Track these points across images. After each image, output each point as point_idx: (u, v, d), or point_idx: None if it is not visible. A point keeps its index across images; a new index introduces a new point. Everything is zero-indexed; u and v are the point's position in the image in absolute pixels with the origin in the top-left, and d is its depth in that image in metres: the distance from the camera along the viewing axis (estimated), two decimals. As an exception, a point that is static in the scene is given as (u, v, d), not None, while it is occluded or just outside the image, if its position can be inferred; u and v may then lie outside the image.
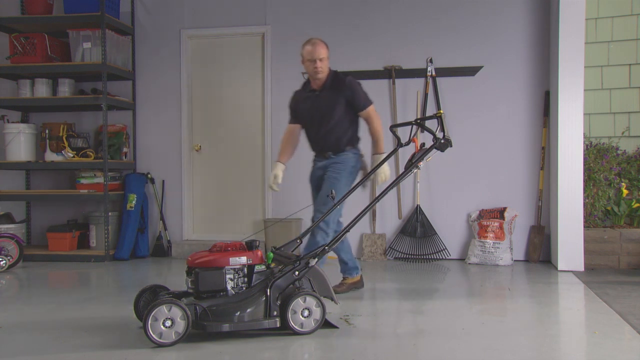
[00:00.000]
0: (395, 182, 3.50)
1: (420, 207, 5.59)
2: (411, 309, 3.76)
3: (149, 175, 6.04)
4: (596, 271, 4.95)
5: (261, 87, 5.98)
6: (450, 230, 5.60)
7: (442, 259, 5.54)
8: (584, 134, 5.14)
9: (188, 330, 2.89)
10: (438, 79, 5.61)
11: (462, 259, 5.57)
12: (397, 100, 5.67)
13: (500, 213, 5.37)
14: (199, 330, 2.97)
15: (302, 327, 3.05)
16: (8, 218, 5.66)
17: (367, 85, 5.69)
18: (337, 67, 5.70)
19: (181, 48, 6.07)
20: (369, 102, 3.97)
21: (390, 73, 5.67)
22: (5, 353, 2.88)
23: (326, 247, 3.23)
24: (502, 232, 5.28)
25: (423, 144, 3.55)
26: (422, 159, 3.47)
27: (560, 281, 4.59)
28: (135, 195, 5.85)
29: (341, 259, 4.18)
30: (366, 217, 5.65)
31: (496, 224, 5.31)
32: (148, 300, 3.24)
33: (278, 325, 3.02)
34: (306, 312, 3.05)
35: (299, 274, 3.13)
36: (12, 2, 6.19)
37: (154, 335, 2.86)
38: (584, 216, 5.03)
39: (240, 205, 6.06)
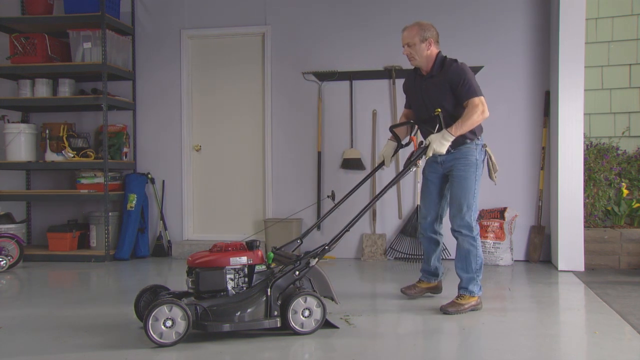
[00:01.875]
0: (395, 181, 3.50)
1: (420, 207, 5.58)
2: (411, 309, 3.76)
3: (149, 175, 6.04)
4: (596, 271, 4.95)
5: (261, 87, 5.98)
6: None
7: (442, 259, 5.51)
8: (584, 134, 5.14)
9: (189, 331, 2.89)
10: (438, 79, 5.60)
11: (462, 259, 5.56)
12: (397, 100, 5.67)
13: (500, 213, 5.37)
14: (200, 331, 2.97)
15: (302, 327, 3.05)
16: (8, 218, 5.66)
17: (368, 85, 5.77)
18: (337, 68, 5.76)
19: (181, 48, 6.07)
20: (475, 93, 3.41)
21: (391, 73, 5.67)
22: (6, 353, 2.89)
23: (326, 247, 3.23)
24: (503, 232, 5.28)
25: (421, 143, 3.53)
26: (421, 157, 3.44)
27: (561, 281, 4.59)
28: (135, 195, 5.85)
29: (433, 263, 3.90)
30: (366, 217, 5.65)
31: (496, 224, 5.31)
32: (148, 300, 3.25)
33: (279, 325, 3.03)
34: (307, 312, 3.05)
35: (299, 273, 3.12)
36: (13, 2, 6.19)
37: (154, 335, 2.86)
38: (584, 216, 5.03)
39: (240, 205, 6.06)
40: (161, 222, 6.02)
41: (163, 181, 6.10)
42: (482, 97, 3.42)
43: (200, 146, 6.11)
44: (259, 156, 6.01)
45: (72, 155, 5.74)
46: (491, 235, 5.29)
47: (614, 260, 5.05)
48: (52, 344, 3.01)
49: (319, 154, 5.80)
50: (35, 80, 5.88)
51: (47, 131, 5.80)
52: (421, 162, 3.48)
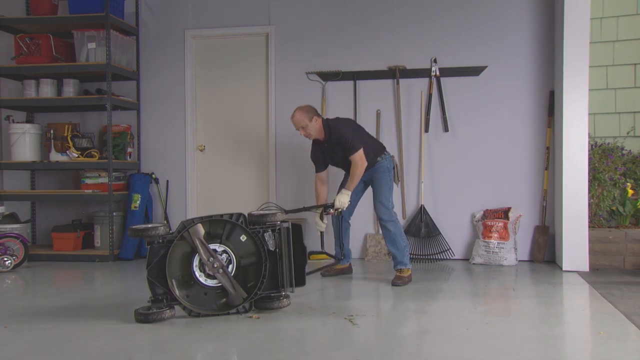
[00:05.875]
0: (305, 209, 4.56)
1: (424, 207, 5.58)
2: (415, 309, 3.76)
3: (153, 176, 6.05)
4: (601, 271, 4.94)
5: (265, 87, 5.98)
6: (455, 231, 5.59)
7: (446, 259, 5.53)
8: (589, 133, 5.12)
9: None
10: (442, 79, 5.60)
11: (467, 259, 5.56)
12: (402, 101, 5.67)
13: (504, 213, 5.36)
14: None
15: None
16: (13, 218, 5.68)
17: (371, 86, 5.77)
18: (341, 68, 5.75)
19: (185, 48, 6.08)
20: (355, 149, 4.41)
21: (395, 73, 5.67)
22: (10, 352, 2.90)
23: (285, 210, 3.83)
24: (507, 232, 5.27)
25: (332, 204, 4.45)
26: (330, 208, 4.41)
27: (565, 281, 4.58)
28: (139, 195, 5.86)
29: (345, 246, 4.81)
30: (370, 218, 5.65)
31: (500, 224, 5.30)
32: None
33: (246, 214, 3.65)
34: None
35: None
36: (17, 2, 6.21)
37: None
38: (589, 216, 5.02)
39: (244, 205, 6.04)
40: (165, 222, 6.03)
41: (167, 181, 6.11)
42: (359, 151, 4.41)
43: (204, 146, 6.12)
44: (262, 156, 6.01)
45: (77, 156, 5.76)
46: (495, 235, 5.28)
47: (618, 260, 5.04)
48: (56, 344, 3.02)
49: (323, 154, 5.79)
50: (39, 80, 5.89)
51: (52, 131, 5.81)
52: (333, 211, 4.44)
